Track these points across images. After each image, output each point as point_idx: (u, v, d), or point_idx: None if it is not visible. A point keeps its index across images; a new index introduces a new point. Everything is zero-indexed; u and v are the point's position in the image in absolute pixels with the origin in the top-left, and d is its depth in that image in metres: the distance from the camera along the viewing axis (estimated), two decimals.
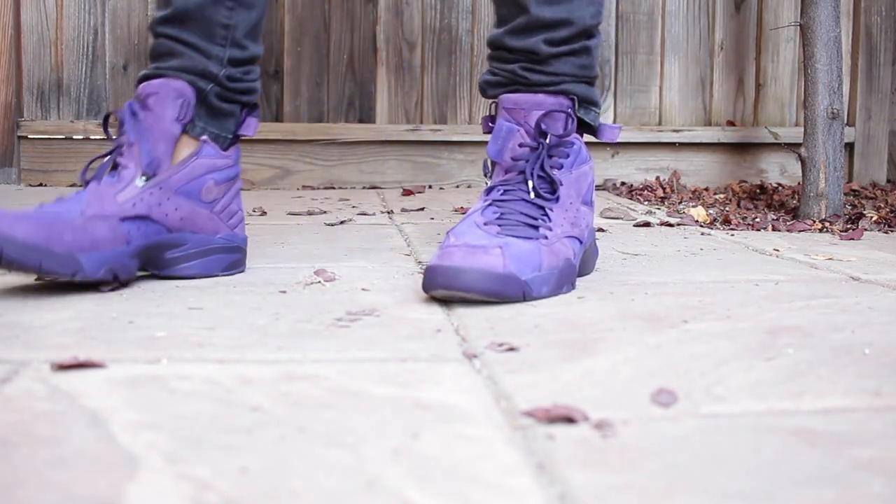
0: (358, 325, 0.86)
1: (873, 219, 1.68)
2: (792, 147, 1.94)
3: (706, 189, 2.23)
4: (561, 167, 1.06)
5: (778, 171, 2.34)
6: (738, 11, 2.34)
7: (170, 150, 1.04)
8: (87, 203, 0.99)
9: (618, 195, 2.12)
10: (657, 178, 2.30)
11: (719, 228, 1.62)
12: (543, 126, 1.04)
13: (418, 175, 2.29)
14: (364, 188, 2.22)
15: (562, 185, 1.04)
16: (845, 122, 1.81)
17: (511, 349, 0.78)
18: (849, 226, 1.64)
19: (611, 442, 0.56)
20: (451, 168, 2.29)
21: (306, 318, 0.88)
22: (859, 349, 0.78)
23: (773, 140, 2.30)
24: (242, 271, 1.11)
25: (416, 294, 1.00)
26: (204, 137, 1.07)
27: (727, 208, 1.87)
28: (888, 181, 2.31)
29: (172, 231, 1.04)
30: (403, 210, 1.79)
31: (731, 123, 2.35)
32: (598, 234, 1.50)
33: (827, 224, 1.65)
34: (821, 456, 0.54)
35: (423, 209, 1.81)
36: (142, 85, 1.05)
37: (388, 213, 1.76)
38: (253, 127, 1.11)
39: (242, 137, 1.12)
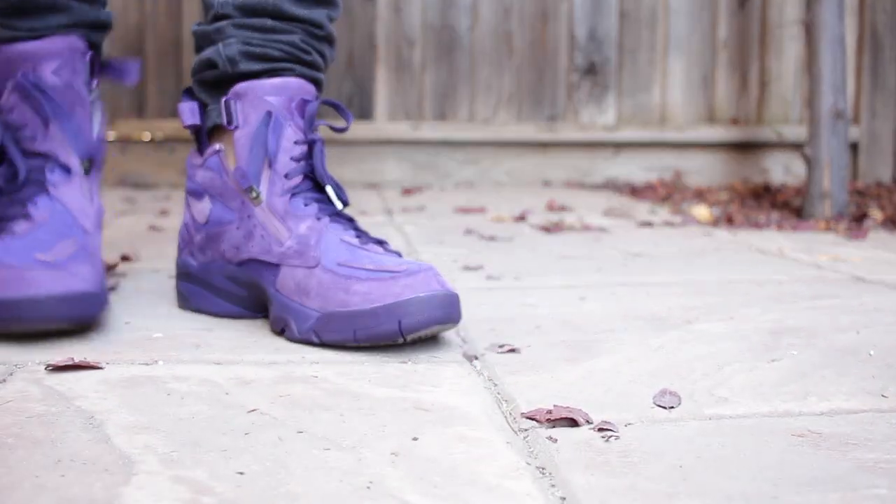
0: None
1: (878, 219, 1.68)
2: (796, 146, 1.93)
3: (709, 188, 2.23)
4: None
5: (782, 170, 2.33)
6: (742, 8, 2.33)
7: (91, 122, 0.89)
8: (79, 216, 0.84)
9: (620, 195, 2.12)
10: (659, 177, 2.30)
11: (722, 228, 1.61)
12: (312, 117, 0.87)
13: (418, 174, 2.28)
14: (364, 187, 2.22)
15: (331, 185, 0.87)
16: (850, 120, 1.80)
17: (512, 350, 0.77)
18: (853, 225, 1.63)
19: (613, 444, 0.56)
20: (452, 167, 2.29)
21: None
22: (864, 350, 0.78)
23: (776, 139, 2.29)
24: None
25: None
26: None
27: (730, 208, 1.87)
28: (893, 180, 2.30)
29: None
30: (403, 210, 1.79)
31: (734, 122, 2.34)
32: (600, 234, 1.50)
33: (831, 224, 1.65)
34: (825, 458, 0.54)
35: (423, 209, 1.81)
36: (32, 47, 0.83)
37: (388, 212, 1.76)
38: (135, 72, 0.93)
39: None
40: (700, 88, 2.34)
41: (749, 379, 0.70)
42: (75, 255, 0.78)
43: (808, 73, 1.76)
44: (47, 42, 0.84)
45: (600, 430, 0.58)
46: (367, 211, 1.76)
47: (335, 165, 2.23)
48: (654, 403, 0.64)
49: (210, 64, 0.87)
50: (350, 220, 0.85)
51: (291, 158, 0.85)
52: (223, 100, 0.86)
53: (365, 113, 2.26)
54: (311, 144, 0.86)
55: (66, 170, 0.84)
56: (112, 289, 0.99)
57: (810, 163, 1.75)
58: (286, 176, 0.84)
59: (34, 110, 0.83)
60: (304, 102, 0.87)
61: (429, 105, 2.29)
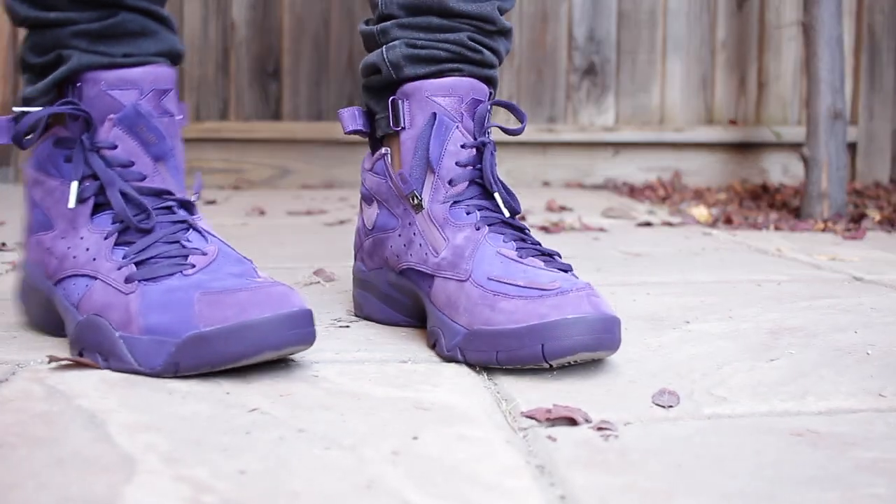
0: (357, 325, 0.86)
1: (876, 219, 1.68)
2: (794, 146, 1.94)
3: (708, 189, 2.23)
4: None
5: (780, 170, 2.34)
6: (740, 10, 2.33)
7: None
8: (235, 252, 0.76)
9: (619, 195, 2.12)
10: (658, 177, 2.30)
11: (721, 228, 1.62)
12: (483, 119, 0.82)
13: None
14: None
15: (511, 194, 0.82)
16: (848, 121, 1.81)
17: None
18: (851, 225, 1.63)
19: (612, 443, 0.56)
20: None
21: None
22: (862, 350, 0.78)
23: (775, 139, 2.29)
24: None
25: None
26: None
27: (729, 208, 1.87)
28: (891, 181, 2.31)
29: None
30: None
31: (732, 123, 2.35)
32: (599, 234, 1.50)
33: (829, 224, 1.65)
34: (823, 457, 0.54)
35: None
36: (138, 74, 0.75)
37: None
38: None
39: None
40: (699, 89, 2.34)
41: (748, 378, 0.70)
42: (260, 288, 0.69)
43: (806, 74, 1.77)
44: (151, 69, 0.76)
45: (599, 429, 0.58)
46: None
47: (337, 166, 2.24)
48: (653, 403, 0.64)
49: (375, 69, 0.83)
50: (518, 230, 0.80)
51: (457, 163, 0.80)
52: (390, 99, 0.82)
53: None
54: (480, 148, 0.81)
55: (187, 207, 0.77)
56: None
57: (808, 163, 1.75)
58: (450, 182, 0.80)
59: (143, 145, 0.75)
60: (476, 103, 0.81)
61: None
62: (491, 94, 0.84)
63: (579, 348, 0.68)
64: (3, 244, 1.29)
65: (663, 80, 2.33)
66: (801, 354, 0.76)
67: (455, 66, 0.82)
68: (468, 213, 0.79)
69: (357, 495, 0.48)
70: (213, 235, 0.76)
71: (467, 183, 0.81)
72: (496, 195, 0.80)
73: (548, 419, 0.59)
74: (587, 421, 0.59)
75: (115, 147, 0.74)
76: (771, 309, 0.94)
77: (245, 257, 0.76)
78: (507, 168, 2.29)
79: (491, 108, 0.83)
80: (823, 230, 1.61)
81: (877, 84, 2.29)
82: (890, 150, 2.32)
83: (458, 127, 0.80)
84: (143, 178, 0.75)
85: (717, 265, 1.22)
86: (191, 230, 0.75)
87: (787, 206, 1.87)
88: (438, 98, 0.80)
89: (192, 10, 2.23)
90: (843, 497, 0.49)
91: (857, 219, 1.69)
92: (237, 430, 0.57)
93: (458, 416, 0.61)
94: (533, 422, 0.60)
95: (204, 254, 0.72)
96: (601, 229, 1.54)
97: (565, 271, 0.76)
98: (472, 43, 0.82)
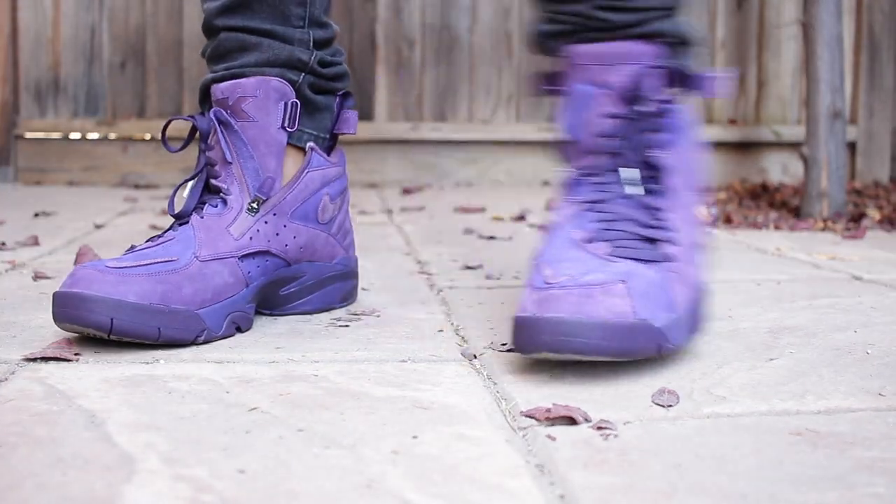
0: (357, 324, 0.86)
1: (875, 218, 1.68)
2: (794, 146, 1.94)
3: (707, 188, 2.23)
4: (665, 145, 0.78)
5: (780, 169, 2.34)
6: (740, 9, 2.33)
7: (280, 165, 0.86)
8: (198, 243, 0.81)
9: None
10: None
11: (721, 227, 1.61)
12: (636, 86, 0.77)
13: (418, 174, 2.29)
14: (363, 187, 2.22)
15: (672, 172, 0.77)
16: (847, 120, 1.80)
17: (511, 350, 0.77)
18: (851, 225, 1.63)
19: (612, 443, 0.56)
20: (451, 167, 2.29)
21: (304, 318, 0.88)
22: (862, 349, 0.78)
23: (774, 139, 2.29)
24: (355, 301, 0.96)
25: (415, 294, 1.00)
26: (311, 144, 0.89)
27: (728, 207, 1.87)
28: (891, 180, 2.31)
29: (291, 263, 0.88)
30: (403, 209, 1.79)
31: (732, 122, 2.35)
32: None
33: (829, 223, 1.65)
34: (823, 457, 0.54)
35: (422, 208, 1.81)
36: (225, 87, 0.85)
37: (388, 212, 1.76)
38: (353, 122, 0.92)
39: (341, 136, 0.93)
40: None
41: (747, 378, 0.70)
42: (150, 268, 0.77)
43: (806, 73, 1.77)
44: (241, 81, 0.85)
45: (599, 428, 0.58)
46: (367, 210, 1.76)
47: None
48: (653, 402, 0.64)
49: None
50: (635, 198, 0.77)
51: (596, 134, 0.79)
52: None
53: (365, 113, 2.26)
54: (630, 117, 0.79)
55: (225, 203, 0.84)
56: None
57: (808, 162, 1.75)
58: (587, 153, 0.79)
59: (220, 147, 0.84)
60: (625, 68, 0.78)
61: (428, 105, 2.30)
62: (663, 53, 0.80)
63: (543, 348, 0.67)
64: (3, 243, 1.29)
65: None
66: (800, 354, 0.76)
67: (585, 34, 0.79)
68: (581, 186, 0.77)
69: (357, 495, 0.48)
70: (195, 230, 0.82)
71: (605, 155, 0.77)
72: (621, 170, 0.77)
73: (547, 419, 0.59)
74: (587, 420, 0.59)
75: (212, 148, 0.86)
76: (770, 308, 0.94)
77: (199, 257, 0.82)
78: (507, 167, 2.29)
79: (662, 70, 0.79)
80: (823, 229, 1.61)
81: (876, 83, 2.29)
82: (889, 149, 2.31)
83: (601, 95, 0.77)
84: (218, 177, 0.85)
85: (717, 264, 1.22)
86: (186, 224, 0.83)
87: (787, 206, 1.87)
88: (587, 67, 0.78)
89: (192, 11, 2.23)
90: (843, 496, 0.49)
91: (857, 218, 1.69)
92: (236, 430, 0.57)
93: (458, 415, 0.61)
94: (532, 421, 0.60)
95: (154, 240, 0.82)
96: None
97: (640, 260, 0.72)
98: (598, 11, 0.78)
